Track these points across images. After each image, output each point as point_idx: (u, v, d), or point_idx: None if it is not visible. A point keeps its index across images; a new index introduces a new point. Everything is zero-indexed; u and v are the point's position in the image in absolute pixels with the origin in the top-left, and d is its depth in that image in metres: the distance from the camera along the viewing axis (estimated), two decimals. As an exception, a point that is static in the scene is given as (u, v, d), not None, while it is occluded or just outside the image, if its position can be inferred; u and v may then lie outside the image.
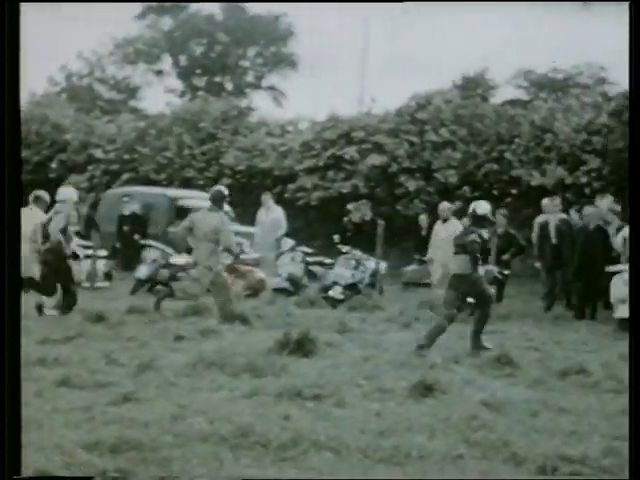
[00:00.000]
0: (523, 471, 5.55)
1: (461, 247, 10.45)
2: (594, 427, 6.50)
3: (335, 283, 14.21)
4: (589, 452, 5.74)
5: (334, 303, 13.83)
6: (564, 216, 15.01)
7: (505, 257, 14.76)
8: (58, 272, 11.75)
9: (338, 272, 14.37)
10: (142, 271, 14.29)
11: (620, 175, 19.30)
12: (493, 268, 13.77)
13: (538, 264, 15.16)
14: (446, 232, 14.50)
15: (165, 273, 13.60)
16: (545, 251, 14.92)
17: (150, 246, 16.16)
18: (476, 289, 10.50)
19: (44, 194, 13.08)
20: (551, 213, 15.12)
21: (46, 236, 11.76)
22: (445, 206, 15.42)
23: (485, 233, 10.77)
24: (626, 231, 13.20)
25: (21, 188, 5.79)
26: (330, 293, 14.09)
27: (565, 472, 5.47)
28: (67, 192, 12.45)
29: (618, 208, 14.59)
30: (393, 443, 6.02)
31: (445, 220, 15.10)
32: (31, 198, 12.97)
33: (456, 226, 14.35)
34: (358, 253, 14.60)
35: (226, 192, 12.15)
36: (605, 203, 15.08)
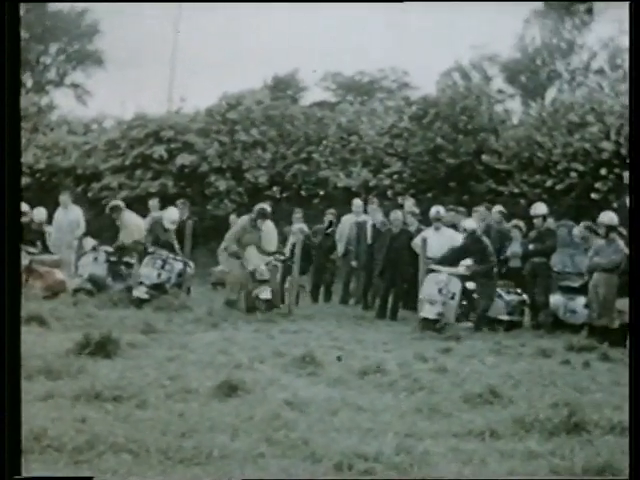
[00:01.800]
0: (321, 468, 5.63)
1: None
2: (389, 425, 6.67)
3: (141, 283, 13.97)
4: (383, 449, 5.90)
5: (139, 303, 13.59)
6: (382, 218, 15.38)
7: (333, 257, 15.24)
8: None
9: (144, 272, 14.09)
10: None
11: (420, 178, 20.09)
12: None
13: (354, 263, 15.46)
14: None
15: None
16: (361, 251, 15.26)
17: None
18: None
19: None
20: (368, 214, 15.54)
21: None
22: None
23: None
24: (425, 233, 13.70)
25: (20, 188, 5.82)
26: (135, 293, 13.85)
27: (360, 469, 5.59)
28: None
29: (417, 211, 15.15)
30: (195, 443, 5.98)
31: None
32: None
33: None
34: (165, 253, 14.34)
35: (269, 209, 14.31)
36: (407, 206, 15.63)
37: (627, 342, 9.24)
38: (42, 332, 10.55)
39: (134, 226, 14.92)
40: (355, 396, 7.70)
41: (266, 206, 14.62)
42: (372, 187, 20.31)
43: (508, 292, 13.44)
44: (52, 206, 16.75)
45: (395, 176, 20.32)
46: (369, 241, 15.18)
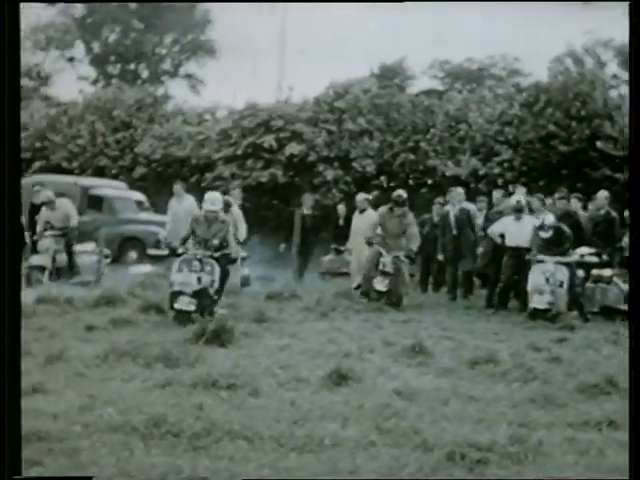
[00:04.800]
0: (432, 457, 5.62)
1: None
2: (501, 415, 6.62)
3: (179, 293, 11.13)
4: (496, 439, 5.84)
5: (182, 318, 10.88)
6: (463, 206, 15.02)
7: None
8: None
9: (179, 279, 11.23)
10: (35, 259, 14.22)
11: (530, 166, 19.73)
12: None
13: (440, 256, 14.99)
14: (363, 223, 14.54)
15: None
16: (446, 242, 14.87)
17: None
18: None
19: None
20: (452, 204, 15.06)
21: None
22: (362, 197, 15.51)
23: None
24: (503, 222, 13.45)
25: (20, 184, 5.94)
26: (176, 306, 11.05)
27: (473, 458, 5.56)
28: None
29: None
30: (306, 431, 6.06)
31: (362, 211, 15.17)
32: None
33: (372, 217, 14.38)
34: (199, 252, 11.45)
35: (405, 195, 13.82)
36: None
37: None
38: (160, 320, 10.83)
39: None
40: (466, 386, 7.66)
41: (402, 192, 14.26)
42: (481, 176, 20.07)
43: (625, 281, 13.10)
44: (169, 196, 17.10)
45: (505, 164, 20.04)
46: (454, 232, 14.73)
